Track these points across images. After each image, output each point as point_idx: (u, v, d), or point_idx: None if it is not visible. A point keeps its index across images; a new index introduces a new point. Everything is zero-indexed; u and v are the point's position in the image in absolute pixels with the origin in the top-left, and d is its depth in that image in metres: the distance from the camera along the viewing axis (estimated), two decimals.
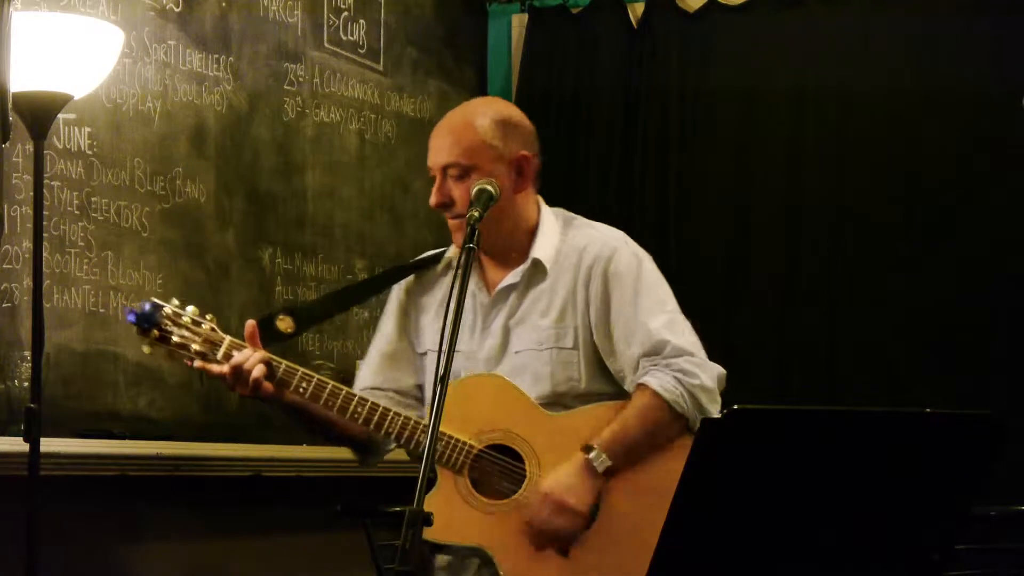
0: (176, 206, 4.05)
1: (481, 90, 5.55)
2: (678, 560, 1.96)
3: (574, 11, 5.44)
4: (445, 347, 2.32)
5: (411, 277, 2.95)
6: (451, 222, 2.78)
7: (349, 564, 4.14)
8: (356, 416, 2.68)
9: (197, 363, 2.66)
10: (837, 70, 5.03)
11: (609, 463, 2.67)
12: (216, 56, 4.23)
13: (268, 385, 2.65)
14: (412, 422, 2.70)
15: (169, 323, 2.64)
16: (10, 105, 2.40)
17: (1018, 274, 4.69)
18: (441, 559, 2.82)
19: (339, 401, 2.67)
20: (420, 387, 2.90)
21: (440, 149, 2.77)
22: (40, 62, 3.16)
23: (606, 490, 2.69)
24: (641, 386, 2.72)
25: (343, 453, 3.91)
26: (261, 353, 2.65)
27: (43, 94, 3.19)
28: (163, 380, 3.97)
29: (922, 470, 2.01)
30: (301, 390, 2.67)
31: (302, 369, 2.68)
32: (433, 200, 2.77)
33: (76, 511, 3.52)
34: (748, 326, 5.04)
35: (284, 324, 2.81)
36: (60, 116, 3.30)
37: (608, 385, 2.80)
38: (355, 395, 2.70)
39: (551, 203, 2.92)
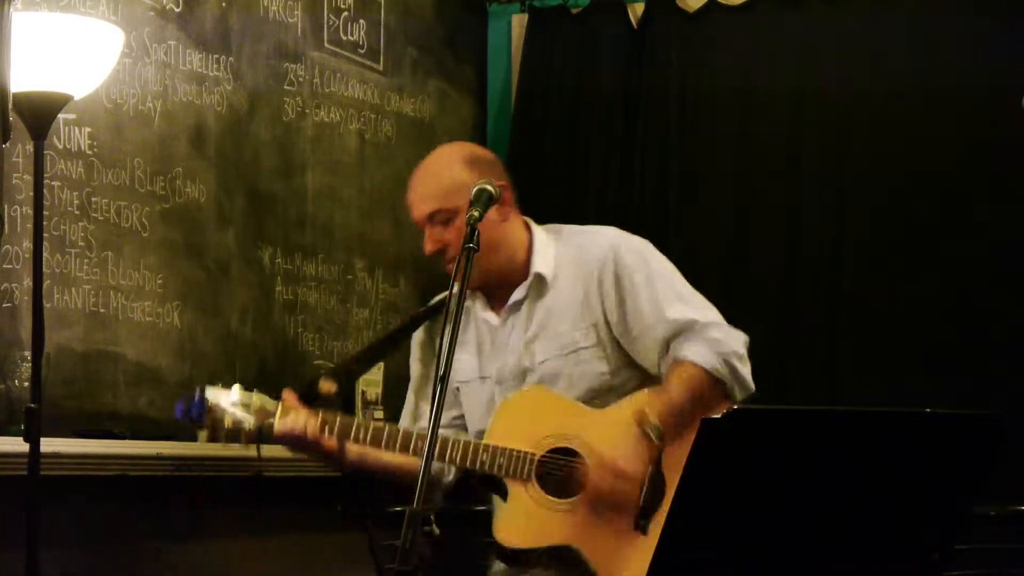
0: (176, 206, 4.05)
1: (481, 90, 5.56)
2: (679, 560, 1.96)
3: (574, 11, 5.43)
4: (445, 346, 2.34)
5: (428, 320, 3.04)
6: (449, 267, 2.83)
7: (349, 564, 4.14)
8: (418, 450, 2.75)
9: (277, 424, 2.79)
10: (837, 70, 5.03)
11: (660, 427, 2.68)
12: (216, 56, 4.23)
13: (330, 441, 2.77)
14: (472, 444, 2.76)
15: (217, 412, 2.81)
16: (10, 105, 2.39)
17: (1018, 274, 4.68)
18: (496, 570, 2.85)
19: (399, 440, 2.76)
20: (461, 416, 2.98)
21: (420, 201, 2.86)
22: (40, 62, 3.16)
23: (670, 466, 2.69)
24: (678, 360, 2.78)
25: None
26: (306, 412, 2.77)
27: (43, 94, 3.19)
28: (163, 380, 3.97)
29: (922, 470, 2.01)
30: (360, 437, 2.76)
31: (357, 418, 2.81)
32: (429, 248, 2.86)
33: (76, 511, 3.52)
34: (748, 326, 5.01)
35: (327, 386, 2.90)
36: (60, 116, 3.30)
37: (637, 372, 2.86)
38: (412, 432, 2.78)
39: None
